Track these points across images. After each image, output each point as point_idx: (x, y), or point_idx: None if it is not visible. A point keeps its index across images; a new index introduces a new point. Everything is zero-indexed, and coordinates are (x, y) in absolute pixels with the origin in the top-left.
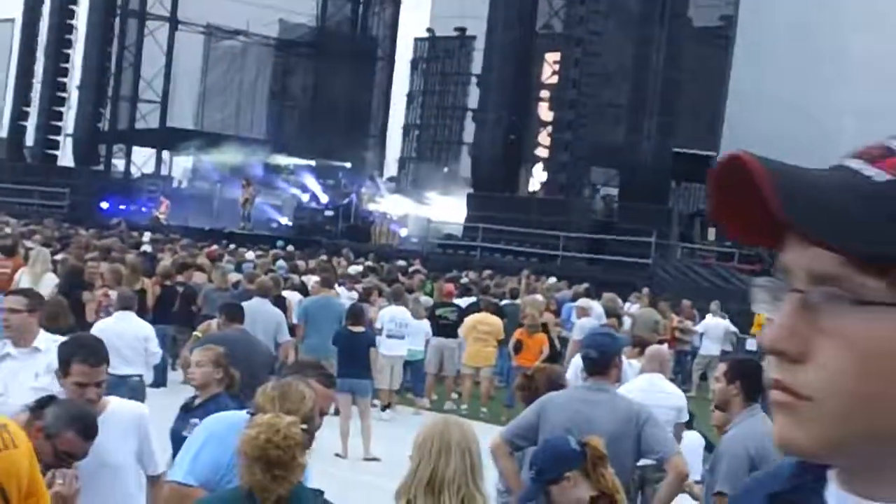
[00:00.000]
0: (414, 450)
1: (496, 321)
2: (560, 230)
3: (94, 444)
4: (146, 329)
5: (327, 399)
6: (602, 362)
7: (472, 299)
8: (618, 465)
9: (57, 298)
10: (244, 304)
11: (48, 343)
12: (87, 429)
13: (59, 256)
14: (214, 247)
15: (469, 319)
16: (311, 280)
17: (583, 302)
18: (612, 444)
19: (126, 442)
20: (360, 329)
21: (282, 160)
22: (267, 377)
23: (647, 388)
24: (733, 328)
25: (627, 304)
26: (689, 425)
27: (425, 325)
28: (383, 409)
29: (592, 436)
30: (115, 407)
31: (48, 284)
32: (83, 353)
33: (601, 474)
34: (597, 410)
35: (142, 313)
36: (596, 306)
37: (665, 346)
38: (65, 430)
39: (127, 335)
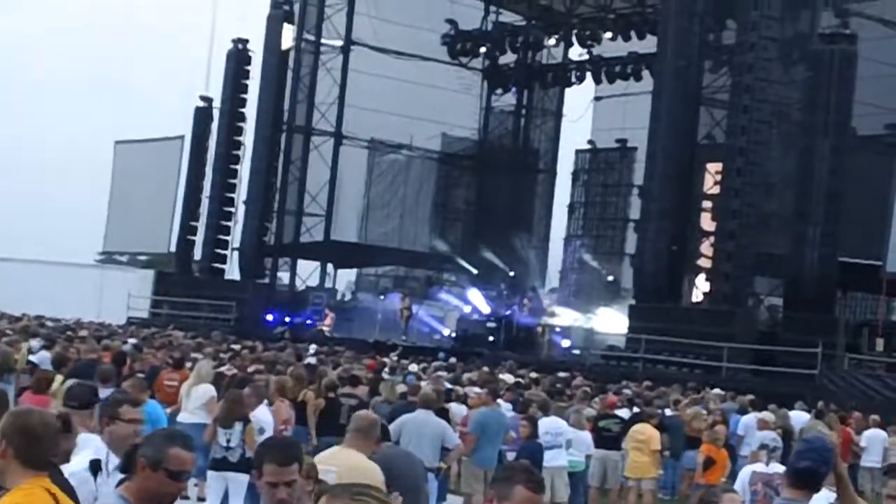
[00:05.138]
0: None
1: (651, 430)
2: (724, 341)
3: None
4: None
5: None
6: (821, 477)
7: (636, 410)
8: None
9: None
10: (409, 416)
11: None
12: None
13: (223, 368)
14: (385, 359)
15: (630, 430)
16: (472, 391)
17: (765, 415)
18: None
19: None
20: (538, 441)
21: (444, 273)
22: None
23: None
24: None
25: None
26: None
27: (587, 436)
28: None
29: None
30: None
31: (202, 395)
32: (272, 453)
33: None
34: None
35: (302, 424)
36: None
37: None
38: None
39: None
